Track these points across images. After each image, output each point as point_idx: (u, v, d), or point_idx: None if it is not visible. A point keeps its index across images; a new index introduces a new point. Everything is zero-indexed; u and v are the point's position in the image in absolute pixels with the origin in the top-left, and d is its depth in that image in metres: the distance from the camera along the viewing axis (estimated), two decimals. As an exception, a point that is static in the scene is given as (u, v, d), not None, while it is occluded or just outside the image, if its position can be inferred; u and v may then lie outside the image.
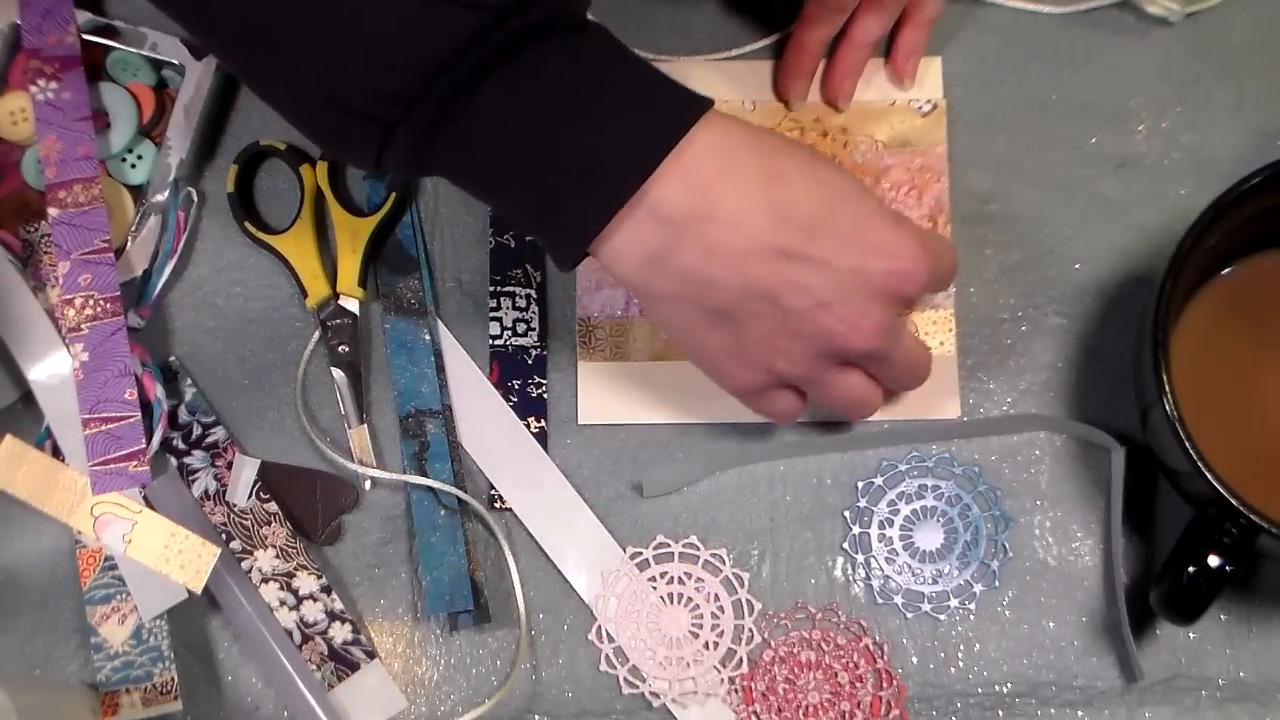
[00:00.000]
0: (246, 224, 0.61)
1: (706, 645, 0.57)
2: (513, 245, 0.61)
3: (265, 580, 0.58)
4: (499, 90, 0.43)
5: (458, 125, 0.44)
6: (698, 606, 0.57)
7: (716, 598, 0.57)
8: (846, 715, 0.56)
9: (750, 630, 0.57)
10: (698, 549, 0.58)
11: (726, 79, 0.62)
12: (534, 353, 0.60)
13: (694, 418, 0.59)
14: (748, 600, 0.57)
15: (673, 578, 0.58)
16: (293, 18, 0.42)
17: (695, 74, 0.62)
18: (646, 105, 0.45)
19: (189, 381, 0.60)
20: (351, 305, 0.60)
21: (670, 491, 0.58)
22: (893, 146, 0.60)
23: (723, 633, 0.57)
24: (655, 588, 0.58)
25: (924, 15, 0.59)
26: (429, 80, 0.42)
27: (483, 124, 0.44)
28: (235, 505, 0.59)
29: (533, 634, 0.58)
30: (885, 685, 0.57)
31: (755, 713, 0.56)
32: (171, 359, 0.60)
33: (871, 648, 0.57)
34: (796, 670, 0.57)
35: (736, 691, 0.57)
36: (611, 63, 0.46)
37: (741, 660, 0.57)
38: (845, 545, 0.58)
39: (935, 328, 0.59)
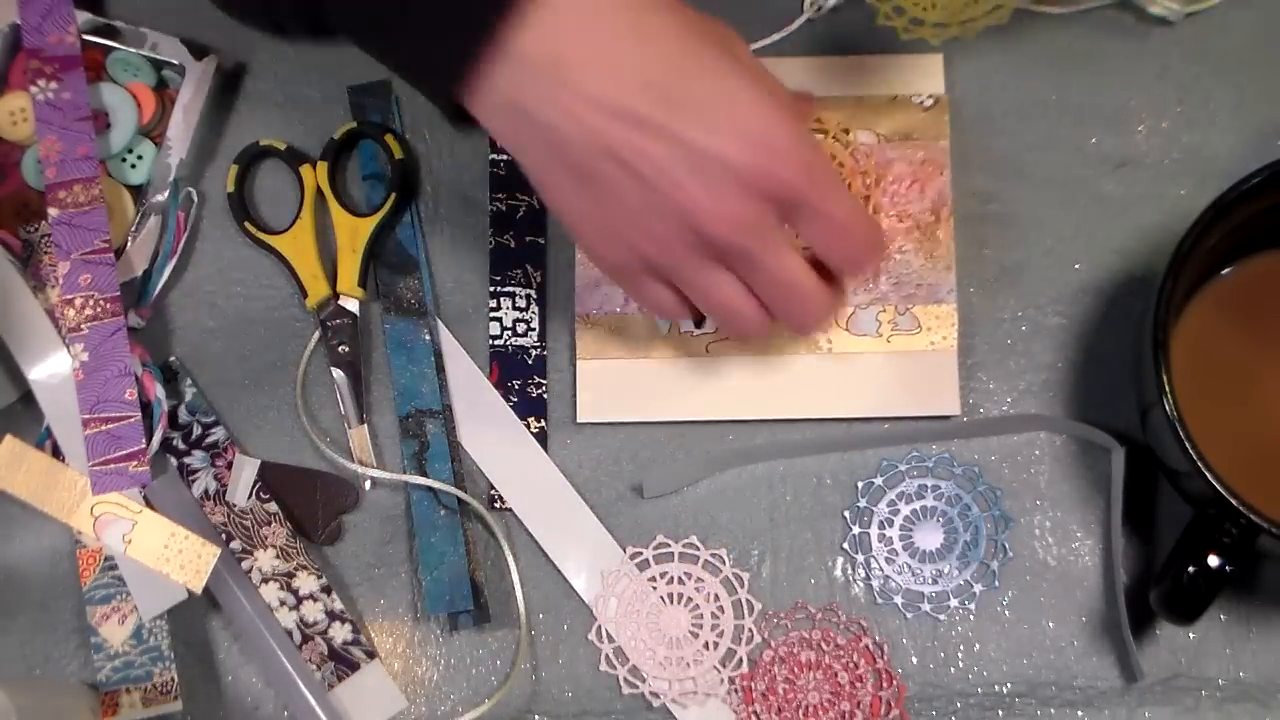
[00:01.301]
0: (246, 224, 0.61)
1: (706, 645, 0.57)
2: (513, 245, 0.61)
3: (265, 580, 0.58)
4: None
5: None
6: (698, 606, 0.57)
7: (716, 598, 0.57)
8: (846, 715, 0.56)
9: (750, 630, 0.57)
10: (698, 549, 0.58)
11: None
12: (534, 353, 0.60)
13: (694, 415, 0.59)
14: (748, 600, 0.57)
15: (673, 578, 0.58)
16: None
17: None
18: None
19: (189, 381, 0.60)
20: (351, 305, 0.60)
21: (670, 492, 0.58)
22: (894, 140, 0.60)
23: (723, 633, 0.57)
24: (655, 588, 0.58)
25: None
26: None
27: None
28: (235, 505, 0.59)
29: (533, 634, 0.58)
30: (885, 685, 0.57)
31: (755, 713, 0.56)
32: (171, 359, 0.60)
33: (871, 648, 0.57)
34: (796, 670, 0.57)
35: (736, 691, 0.57)
36: None
37: (741, 660, 0.57)
38: (845, 545, 0.58)
39: (938, 323, 0.59)
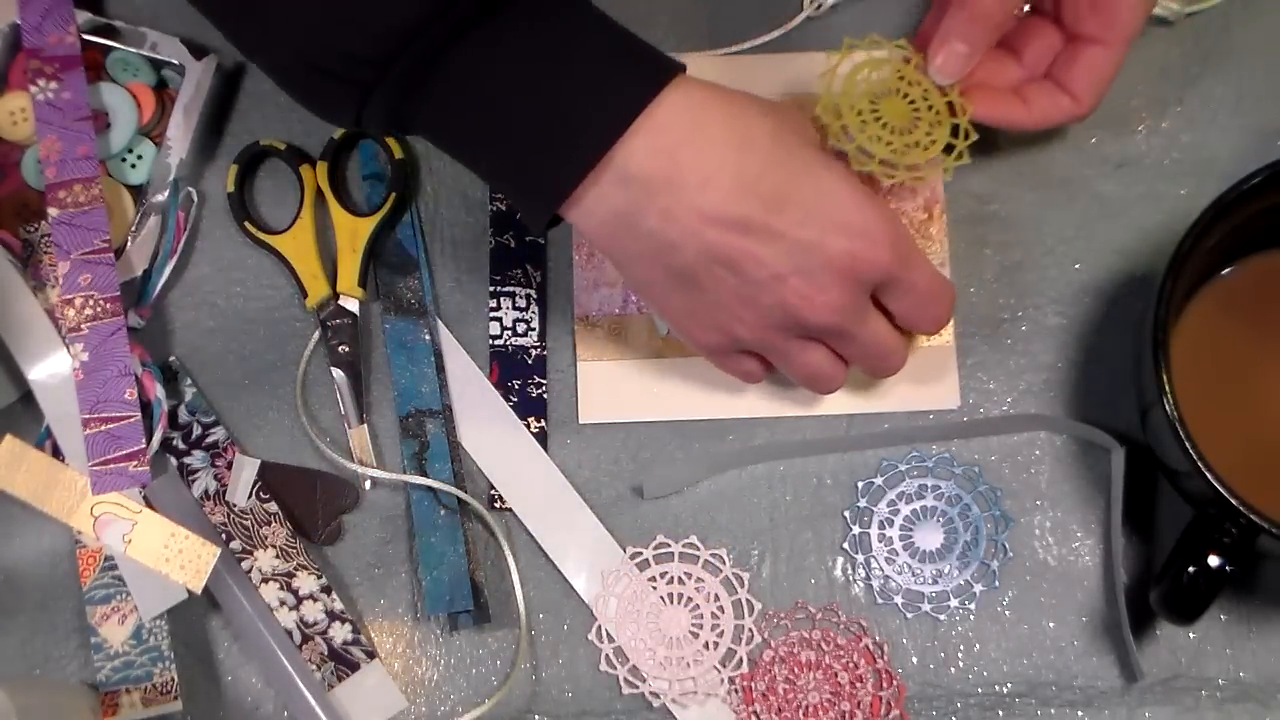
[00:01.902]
0: (246, 224, 0.61)
1: (706, 645, 0.57)
2: (512, 245, 0.61)
3: (265, 580, 0.58)
4: (470, 54, 0.44)
5: (431, 87, 0.45)
6: (698, 606, 0.57)
7: (716, 598, 0.57)
8: (846, 715, 0.56)
9: (750, 630, 0.57)
10: (698, 549, 0.58)
11: (724, 75, 0.61)
12: (534, 353, 0.60)
13: (694, 414, 0.59)
14: (748, 600, 0.57)
15: (673, 578, 0.58)
16: None
17: (697, 69, 0.61)
18: (616, 69, 0.46)
19: (189, 381, 0.60)
20: (351, 305, 0.60)
21: (671, 493, 0.58)
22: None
23: (723, 633, 0.57)
24: (655, 588, 0.58)
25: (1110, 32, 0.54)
26: (402, 43, 0.43)
27: (455, 86, 0.45)
28: (235, 505, 0.59)
29: (533, 634, 0.58)
30: (885, 685, 0.57)
31: (755, 713, 0.56)
32: (171, 359, 0.60)
33: (871, 648, 0.57)
34: (796, 670, 0.57)
35: (736, 691, 0.57)
36: (582, 26, 0.46)
37: (741, 660, 0.57)
38: (845, 545, 0.58)
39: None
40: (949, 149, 0.56)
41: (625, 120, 0.45)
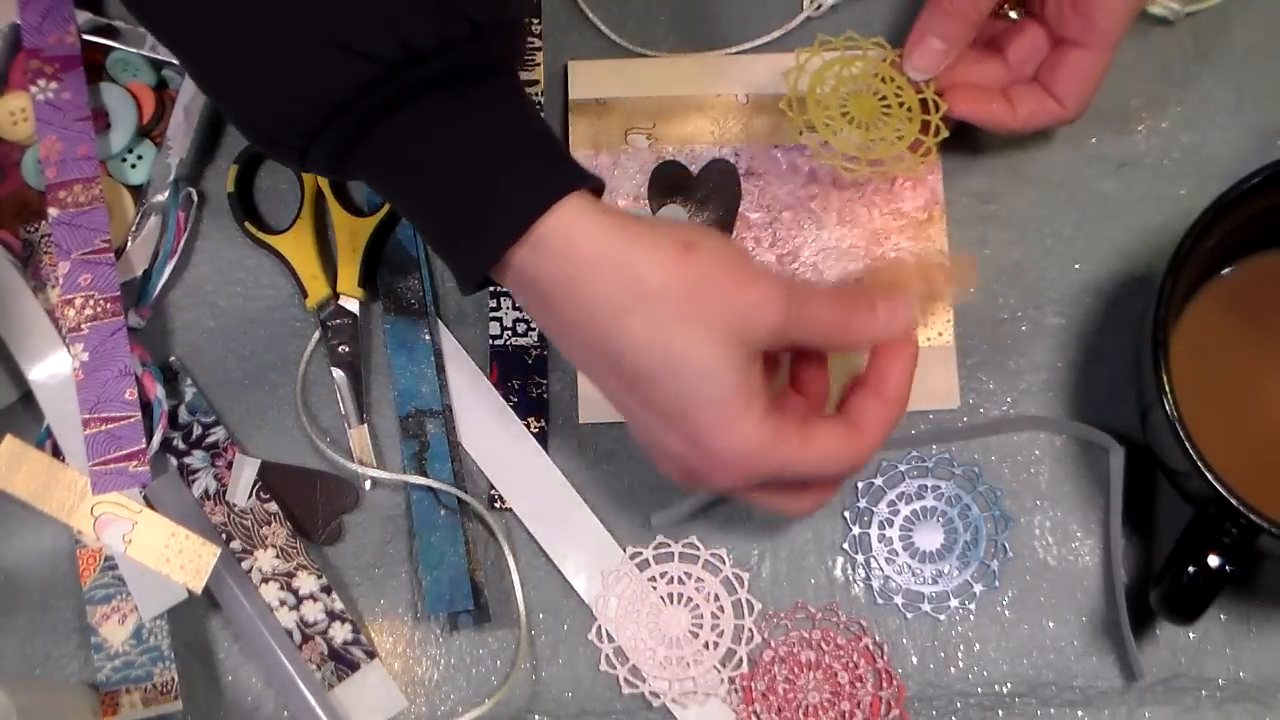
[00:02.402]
0: (246, 224, 0.61)
1: (706, 645, 0.57)
2: (513, 245, 0.61)
3: (265, 580, 0.58)
4: (390, 133, 0.44)
5: (358, 158, 0.46)
6: (698, 606, 0.57)
7: (716, 597, 0.57)
8: (846, 715, 0.56)
9: (750, 630, 0.57)
10: (697, 549, 0.58)
11: (723, 73, 0.62)
12: (534, 353, 0.60)
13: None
14: (748, 600, 0.57)
15: (672, 577, 0.58)
16: (213, 45, 0.44)
17: (690, 68, 0.62)
18: (511, 173, 0.45)
19: (189, 381, 0.60)
20: (351, 305, 0.60)
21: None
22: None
23: (723, 632, 0.57)
24: (655, 587, 0.58)
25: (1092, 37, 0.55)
26: (328, 118, 0.43)
27: (378, 159, 0.46)
28: (235, 505, 0.59)
29: (533, 634, 0.58)
30: (885, 685, 0.57)
31: (755, 712, 0.56)
32: (171, 359, 0.60)
33: (871, 648, 0.57)
34: (796, 670, 0.57)
35: (736, 691, 0.57)
36: (499, 123, 0.46)
37: (741, 660, 0.57)
38: (845, 545, 0.58)
39: (933, 318, 0.59)
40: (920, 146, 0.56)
41: (509, 234, 0.44)
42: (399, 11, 0.42)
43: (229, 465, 0.59)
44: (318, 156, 0.45)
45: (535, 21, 0.62)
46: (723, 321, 0.44)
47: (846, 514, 0.58)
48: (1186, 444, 0.49)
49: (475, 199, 0.45)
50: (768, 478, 0.46)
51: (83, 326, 0.57)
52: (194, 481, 0.59)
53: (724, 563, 0.58)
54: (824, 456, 0.47)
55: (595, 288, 0.44)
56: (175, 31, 0.45)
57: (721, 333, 0.44)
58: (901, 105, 0.57)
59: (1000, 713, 0.56)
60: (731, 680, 0.57)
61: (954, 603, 0.57)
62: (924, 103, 0.57)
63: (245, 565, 0.58)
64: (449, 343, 0.60)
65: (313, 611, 0.58)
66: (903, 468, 0.59)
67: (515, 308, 0.60)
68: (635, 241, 0.44)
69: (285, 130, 0.44)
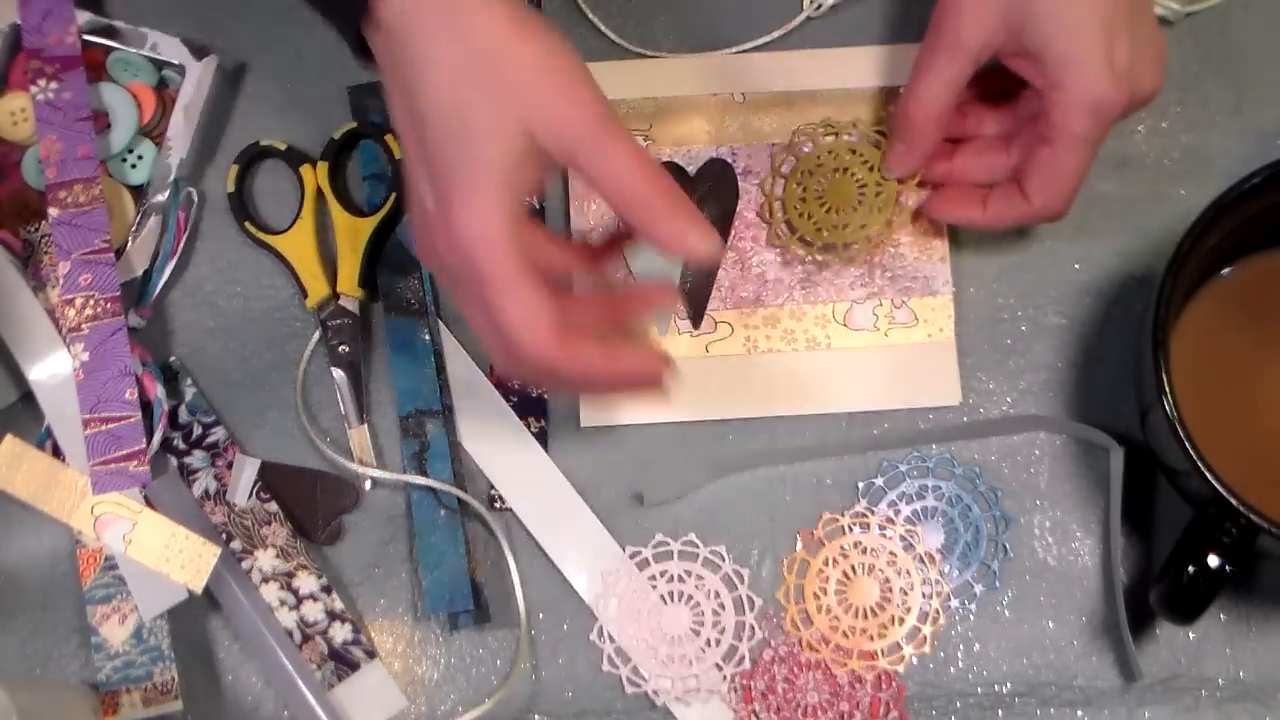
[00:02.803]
0: (246, 224, 0.61)
1: (708, 642, 0.57)
2: (513, 245, 0.61)
3: (265, 580, 0.58)
4: None
5: None
6: (698, 604, 0.57)
7: (717, 594, 0.57)
8: (845, 715, 0.56)
9: (751, 626, 0.57)
10: (696, 546, 0.58)
11: (721, 73, 0.62)
12: (534, 353, 0.60)
13: (694, 415, 0.59)
14: (748, 596, 0.57)
15: (672, 576, 0.58)
16: None
17: (690, 67, 0.62)
18: None
19: (189, 381, 0.60)
20: (351, 305, 0.60)
21: (671, 499, 0.58)
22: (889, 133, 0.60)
23: (724, 629, 0.57)
24: (655, 586, 0.58)
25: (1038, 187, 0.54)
26: None
27: None
28: (235, 505, 0.59)
29: (533, 634, 0.58)
30: (885, 685, 0.57)
31: (754, 712, 0.56)
32: (171, 359, 0.60)
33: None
34: (796, 670, 0.57)
35: (736, 690, 0.57)
36: None
37: (743, 657, 0.57)
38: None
39: (934, 315, 0.59)
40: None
41: None
42: None
43: (229, 465, 0.59)
44: None
45: (535, 21, 0.62)
46: (522, 102, 0.44)
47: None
48: (1186, 444, 0.49)
49: None
50: (477, 278, 0.45)
51: (83, 326, 0.57)
52: (194, 481, 0.59)
53: (723, 560, 0.58)
54: (523, 311, 0.45)
55: (429, 34, 0.44)
56: None
57: (514, 110, 0.44)
58: (878, 195, 0.58)
59: (1000, 713, 0.56)
60: (731, 679, 0.57)
61: (954, 603, 0.57)
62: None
63: (245, 565, 0.58)
64: (449, 343, 0.60)
65: (313, 611, 0.58)
66: (903, 468, 0.59)
67: (515, 308, 0.60)
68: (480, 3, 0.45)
69: None
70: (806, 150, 0.60)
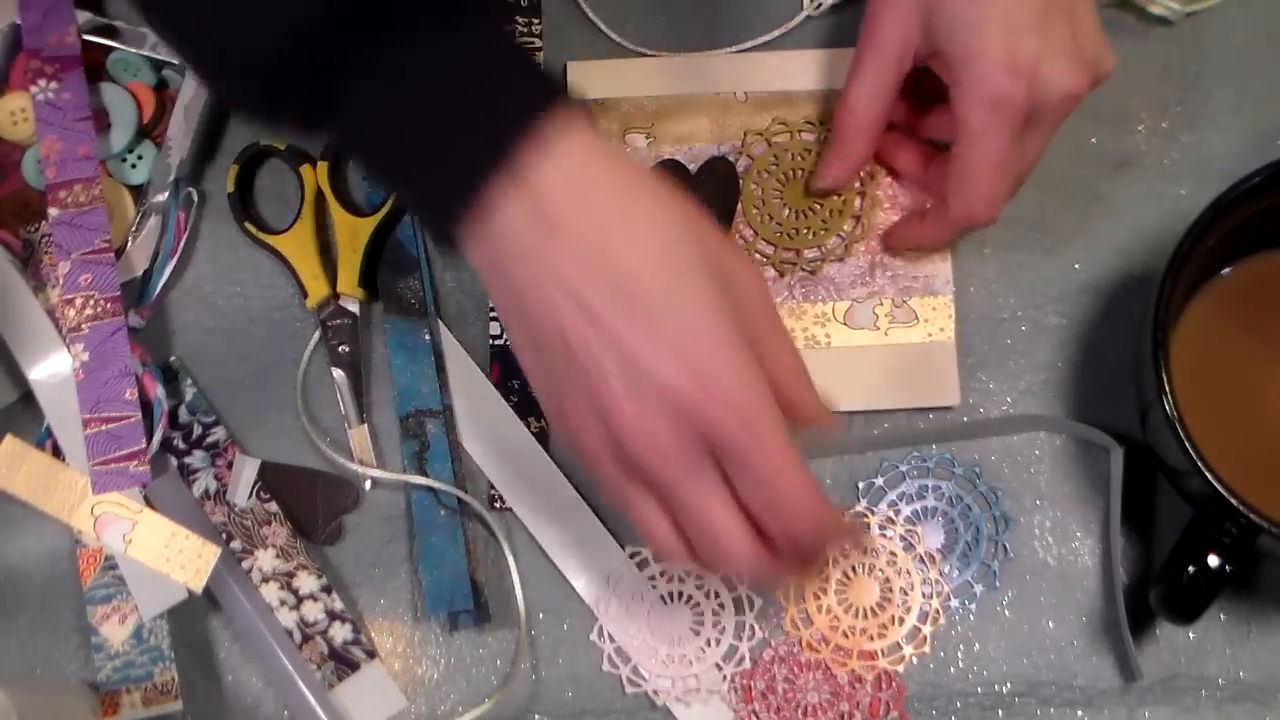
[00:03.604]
0: (246, 224, 0.61)
1: (708, 642, 0.57)
2: (513, 245, 0.61)
3: (265, 580, 0.58)
4: (368, 69, 0.42)
5: (337, 108, 0.43)
6: (698, 604, 0.57)
7: (716, 594, 0.57)
8: (845, 715, 0.56)
9: (751, 626, 0.57)
10: (698, 549, 0.58)
11: (722, 72, 0.62)
12: (534, 353, 0.60)
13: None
14: (748, 596, 0.57)
15: (672, 575, 0.58)
16: None
17: (690, 67, 0.62)
18: (504, 97, 0.42)
19: (189, 381, 0.60)
20: (351, 305, 0.60)
21: None
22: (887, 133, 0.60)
23: (724, 629, 0.57)
24: (655, 586, 0.58)
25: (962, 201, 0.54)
26: (300, 39, 0.41)
27: (354, 107, 0.43)
28: (235, 505, 0.59)
29: (533, 634, 0.58)
30: (885, 685, 0.57)
31: (754, 712, 0.56)
32: (171, 359, 0.60)
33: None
34: (796, 670, 0.57)
35: (736, 690, 0.57)
36: (484, 55, 0.43)
37: (744, 657, 0.57)
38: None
39: (935, 314, 0.59)
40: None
41: (490, 166, 0.41)
42: None
43: (229, 465, 0.59)
44: (286, 94, 0.42)
45: (535, 21, 0.62)
46: (715, 272, 0.42)
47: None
48: (1186, 444, 0.49)
49: (453, 133, 0.42)
50: (751, 432, 0.41)
51: (83, 326, 0.57)
52: (194, 481, 0.59)
53: (724, 562, 0.58)
54: (803, 470, 0.42)
55: (609, 195, 0.42)
56: None
57: (718, 282, 0.42)
58: (839, 196, 0.59)
59: (1000, 713, 0.56)
60: (731, 679, 0.57)
61: (954, 603, 0.57)
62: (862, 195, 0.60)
63: (245, 565, 0.58)
64: (449, 343, 0.60)
65: (313, 611, 0.58)
66: (903, 468, 0.59)
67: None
68: (641, 172, 0.43)
69: (253, 56, 0.41)
70: (759, 152, 0.60)
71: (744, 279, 0.44)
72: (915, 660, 0.57)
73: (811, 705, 0.56)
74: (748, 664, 0.57)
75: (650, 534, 0.45)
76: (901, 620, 0.57)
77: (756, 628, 0.57)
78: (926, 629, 0.57)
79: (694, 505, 0.43)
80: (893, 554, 0.57)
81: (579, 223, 0.42)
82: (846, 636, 0.57)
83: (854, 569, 0.57)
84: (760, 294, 0.44)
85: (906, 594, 0.57)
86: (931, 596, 0.57)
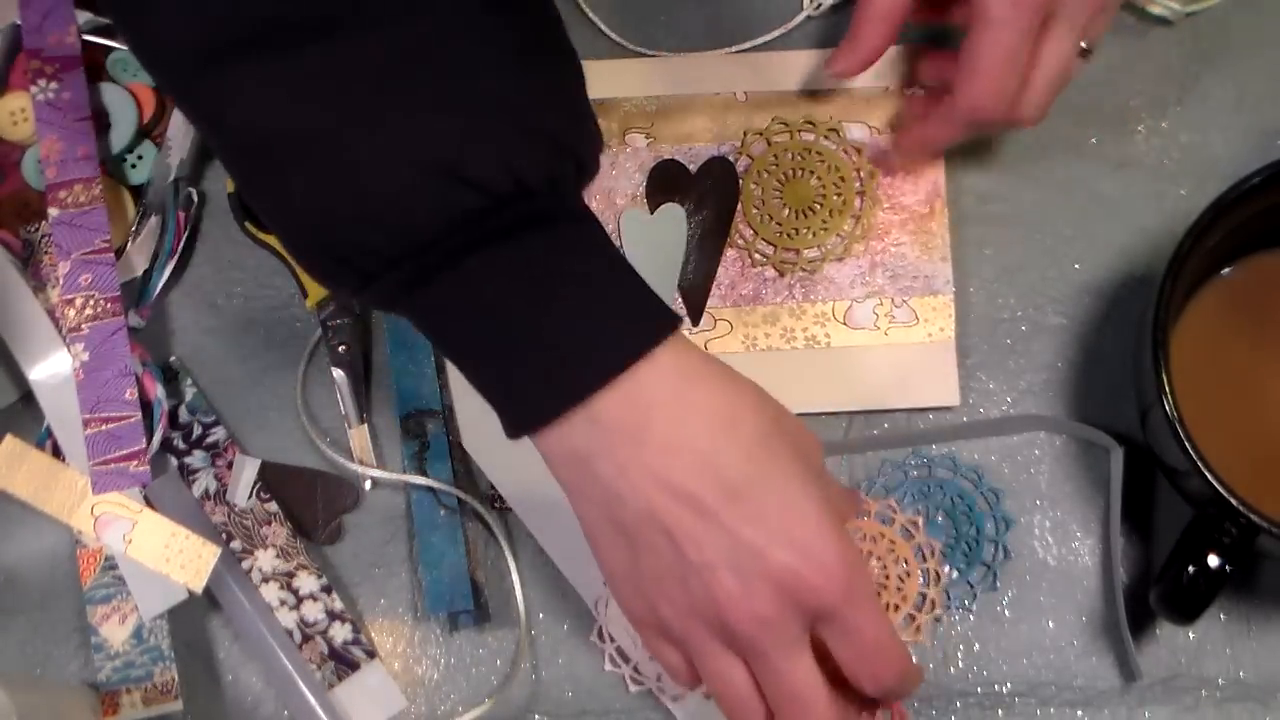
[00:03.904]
0: (246, 224, 0.61)
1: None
2: (513, 245, 0.61)
3: (265, 580, 0.58)
4: (482, 269, 0.42)
5: (434, 292, 0.43)
6: (698, 606, 0.57)
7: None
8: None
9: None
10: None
11: (722, 72, 0.62)
12: (534, 353, 0.60)
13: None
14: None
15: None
16: (297, 158, 0.41)
17: (690, 67, 0.62)
18: (614, 314, 0.44)
19: (189, 381, 0.60)
20: (352, 305, 0.60)
21: None
22: (888, 132, 0.60)
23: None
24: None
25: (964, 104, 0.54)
26: (420, 249, 0.42)
27: (459, 295, 0.43)
28: (235, 505, 0.59)
29: (533, 634, 0.58)
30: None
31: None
32: (171, 359, 0.60)
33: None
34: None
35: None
36: (594, 265, 0.44)
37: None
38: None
39: (935, 314, 0.59)
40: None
41: (610, 372, 0.43)
42: (513, 144, 0.41)
43: (229, 465, 0.59)
44: (382, 289, 0.43)
45: (535, 21, 0.62)
46: (794, 444, 0.45)
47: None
48: (1186, 444, 0.49)
49: (564, 343, 0.43)
50: (851, 599, 0.44)
51: (83, 326, 0.57)
52: (194, 481, 0.59)
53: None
54: (815, 671, 0.45)
55: (705, 402, 0.44)
56: (254, 144, 0.42)
57: (802, 459, 0.45)
58: (838, 196, 0.59)
59: (1000, 713, 0.56)
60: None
61: (954, 603, 0.57)
62: (861, 193, 0.60)
63: (245, 565, 0.58)
64: (449, 343, 0.60)
65: (313, 611, 0.58)
66: (905, 467, 0.58)
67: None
68: (721, 365, 0.45)
69: (363, 255, 0.42)
70: (759, 152, 0.60)
71: (808, 443, 0.46)
72: (911, 651, 0.57)
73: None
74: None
75: (729, 693, 0.46)
76: (897, 608, 0.57)
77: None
78: (922, 617, 0.57)
79: (785, 670, 0.45)
80: (891, 542, 0.57)
81: (681, 435, 0.43)
82: None
83: None
84: (819, 453, 0.47)
85: (903, 582, 0.57)
86: (929, 584, 0.57)
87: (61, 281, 0.57)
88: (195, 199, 0.61)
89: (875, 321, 0.59)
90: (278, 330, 0.61)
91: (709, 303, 0.60)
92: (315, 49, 0.40)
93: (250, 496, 0.59)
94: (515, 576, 0.57)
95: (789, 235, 0.60)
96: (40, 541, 0.59)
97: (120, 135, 0.61)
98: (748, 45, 0.62)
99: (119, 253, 0.60)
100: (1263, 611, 0.57)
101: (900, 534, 0.57)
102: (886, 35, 0.55)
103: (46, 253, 0.60)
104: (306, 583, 0.58)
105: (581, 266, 0.44)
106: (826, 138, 0.60)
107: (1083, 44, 0.54)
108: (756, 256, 0.60)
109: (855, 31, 0.55)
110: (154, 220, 0.61)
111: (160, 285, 0.60)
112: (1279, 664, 0.56)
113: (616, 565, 0.46)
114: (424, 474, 0.58)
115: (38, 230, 0.60)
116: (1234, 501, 0.49)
